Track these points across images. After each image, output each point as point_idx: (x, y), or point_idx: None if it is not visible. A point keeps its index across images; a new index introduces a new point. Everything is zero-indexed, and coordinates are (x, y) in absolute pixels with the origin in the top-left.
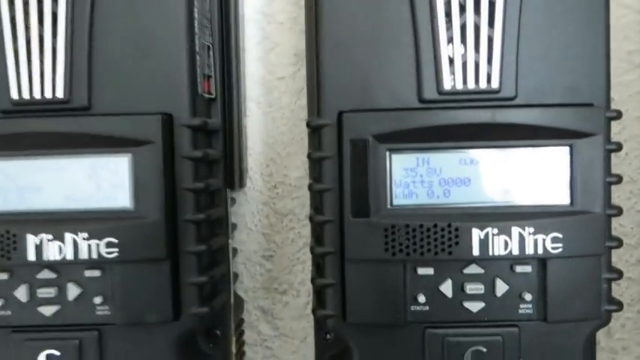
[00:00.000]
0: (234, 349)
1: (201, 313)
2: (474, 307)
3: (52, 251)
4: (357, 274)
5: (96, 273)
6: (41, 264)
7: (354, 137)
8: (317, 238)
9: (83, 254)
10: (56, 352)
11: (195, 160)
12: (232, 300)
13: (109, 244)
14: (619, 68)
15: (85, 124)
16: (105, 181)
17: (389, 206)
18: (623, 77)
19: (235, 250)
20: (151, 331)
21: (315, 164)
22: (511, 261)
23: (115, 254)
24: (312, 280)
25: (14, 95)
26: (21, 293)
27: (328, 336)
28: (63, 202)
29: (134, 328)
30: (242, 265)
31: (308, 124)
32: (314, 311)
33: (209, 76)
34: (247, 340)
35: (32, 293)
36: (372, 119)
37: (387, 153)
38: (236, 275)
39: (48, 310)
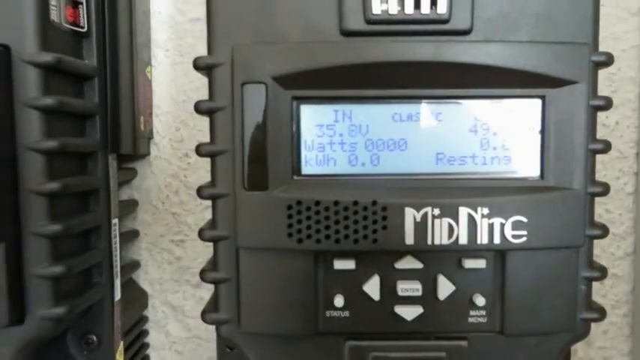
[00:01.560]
0: (120, 358)
1: (56, 315)
2: (409, 313)
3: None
4: (253, 267)
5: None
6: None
7: (248, 80)
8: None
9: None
10: None
11: (44, 111)
12: (117, 295)
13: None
14: (610, 15)
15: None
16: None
17: (295, 176)
18: (615, 27)
19: (136, 233)
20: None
21: (210, 120)
22: (459, 253)
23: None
24: (201, 273)
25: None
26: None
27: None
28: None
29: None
30: (146, 252)
31: (195, 65)
32: (203, 314)
33: (76, 2)
34: (152, 343)
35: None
36: (271, 55)
37: (294, 103)
38: (137, 264)
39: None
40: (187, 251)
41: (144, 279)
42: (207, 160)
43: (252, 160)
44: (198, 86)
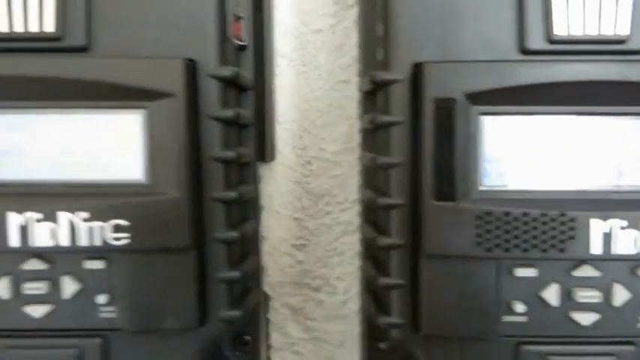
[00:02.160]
0: (264, 359)
1: (232, 317)
2: (586, 319)
3: (42, 235)
4: (436, 274)
5: (98, 265)
6: (27, 251)
7: (440, 95)
8: (377, 225)
9: (82, 240)
10: None
11: (225, 122)
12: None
13: (116, 228)
14: None
15: (81, 68)
16: (110, 144)
17: (480, 187)
18: None
19: (261, 238)
20: (169, 340)
21: (377, 133)
22: (637, 262)
23: (125, 241)
24: (370, 279)
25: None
26: (1, 288)
27: (382, 345)
28: (52, 170)
29: (147, 337)
30: (268, 256)
31: (372, 81)
32: (372, 318)
33: (239, 17)
34: (273, 344)
35: (16, 289)
36: (463, 72)
37: (481, 118)
38: (262, 268)
39: (37, 311)
40: (309, 255)
41: (265, 282)
42: (329, 167)
43: (440, 173)
44: (319, 95)
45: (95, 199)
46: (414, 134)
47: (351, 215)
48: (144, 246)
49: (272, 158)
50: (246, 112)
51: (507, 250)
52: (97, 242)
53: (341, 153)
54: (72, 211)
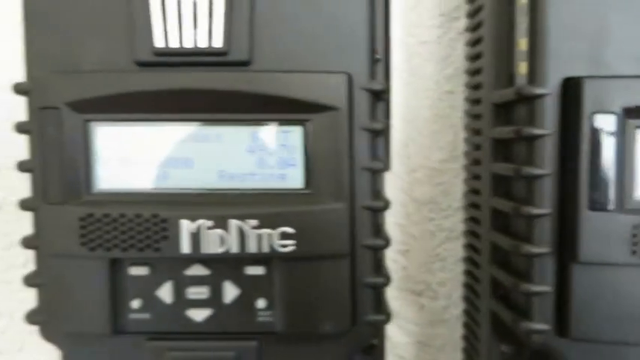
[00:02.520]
0: None
1: (378, 322)
2: (199, 315)
3: (212, 242)
4: (589, 280)
5: (259, 270)
6: (198, 258)
7: (597, 110)
8: (510, 232)
9: (251, 247)
10: None
11: (373, 133)
12: None
13: (283, 235)
14: None
15: (250, 81)
16: (273, 154)
17: (635, 197)
18: None
19: None
20: (319, 344)
21: (516, 143)
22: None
23: (291, 248)
24: (515, 286)
25: (158, 43)
26: (165, 293)
27: (504, 348)
28: (219, 179)
29: (299, 340)
30: None
31: (519, 93)
32: (515, 323)
33: None
34: None
35: (179, 293)
36: (621, 88)
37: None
38: None
39: (199, 315)
40: (412, 260)
41: None
42: (433, 175)
43: (596, 184)
44: (425, 105)
45: (262, 207)
46: (563, 146)
47: (453, 222)
48: (307, 253)
49: (390, 167)
50: (386, 123)
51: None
52: (265, 249)
53: (446, 161)
54: (242, 218)
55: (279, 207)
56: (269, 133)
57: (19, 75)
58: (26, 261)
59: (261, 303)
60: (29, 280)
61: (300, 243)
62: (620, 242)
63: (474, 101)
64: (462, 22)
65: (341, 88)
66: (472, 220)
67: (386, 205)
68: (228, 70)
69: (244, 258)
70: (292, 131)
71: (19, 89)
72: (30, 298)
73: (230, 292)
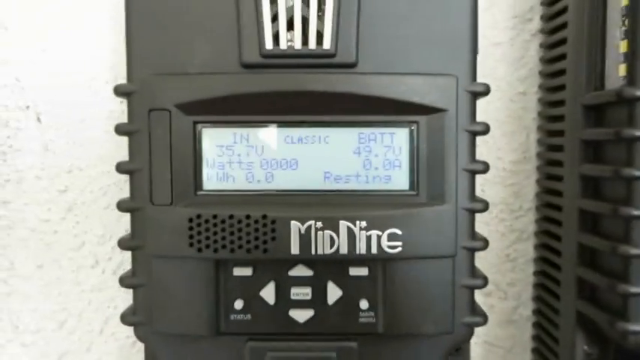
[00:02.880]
0: None
1: (476, 323)
2: (302, 316)
3: (321, 243)
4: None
5: (362, 272)
6: (304, 259)
7: None
8: (612, 234)
9: (360, 248)
10: None
11: (473, 135)
12: None
13: (391, 237)
14: None
15: (354, 84)
16: (380, 156)
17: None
18: None
19: None
20: (418, 344)
21: (612, 145)
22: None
23: (398, 249)
24: (611, 287)
25: (267, 45)
26: (268, 293)
27: (587, 349)
28: (325, 181)
29: (399, 340)
30: None
31: (620, 95)
32: (611, 324)
33: None
34: None
35: (282, 294)
36: None
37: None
38: None
39: (301, 316)
40: (482, 261)
41: None
42: (505, 176)
43: None
44: (498, 107)
45: (369, 208)
46: None
47: (524, 223)
48: (413, 254)
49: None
50: None
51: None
52: (374, 250)
53: (518, 162)
54: (352, 220)
55: (386, 209)
56: (375, 135)
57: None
58: (95, 263)
59: (363, 304)
60: (126, 281)
61: (406, 244)
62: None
63: (554, 103)
64: (536, 24)
65: (451, 91)
66: (548, 220)
67: (486, 206)
68: (335, 72)
69: (351, 259)
70: (398, 133)
71: (120, 91)
72: (98, 299)
73: (333, 293)
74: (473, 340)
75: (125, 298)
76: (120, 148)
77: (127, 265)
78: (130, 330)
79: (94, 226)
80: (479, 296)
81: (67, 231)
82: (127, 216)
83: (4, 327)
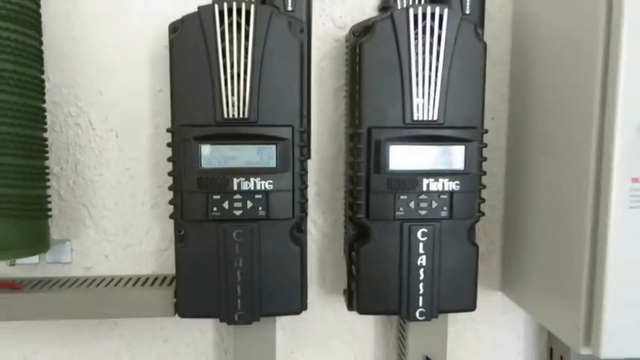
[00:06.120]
0: None
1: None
2: None
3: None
4: None
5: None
6: (235, 192)
7: None
8: None
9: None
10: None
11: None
12: None
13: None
14: None
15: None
16: (264, 157)
17: None
18: None
19: None
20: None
21: None
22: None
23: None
24: None
25: (225, 115)
26: (226, 204)
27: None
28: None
29: None
30: None
31: None
32: None
33: None
34: None
35: (229, 205)
36: None
37: None
38: None
39: (237, 212)
40: None
41: None
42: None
43: None
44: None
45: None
46: None
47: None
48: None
49: None
50: None
51: None
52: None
53: (337, 155)
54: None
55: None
56: (264, 149)
57: None
58: None
59: None
60: None
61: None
62: None
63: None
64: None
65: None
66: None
67: None
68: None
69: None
70: (270, 148)
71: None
72: None
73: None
74: None
75: None
76: None
77: None
78: None
79: None
80: None
81: None
82: None
83: None
